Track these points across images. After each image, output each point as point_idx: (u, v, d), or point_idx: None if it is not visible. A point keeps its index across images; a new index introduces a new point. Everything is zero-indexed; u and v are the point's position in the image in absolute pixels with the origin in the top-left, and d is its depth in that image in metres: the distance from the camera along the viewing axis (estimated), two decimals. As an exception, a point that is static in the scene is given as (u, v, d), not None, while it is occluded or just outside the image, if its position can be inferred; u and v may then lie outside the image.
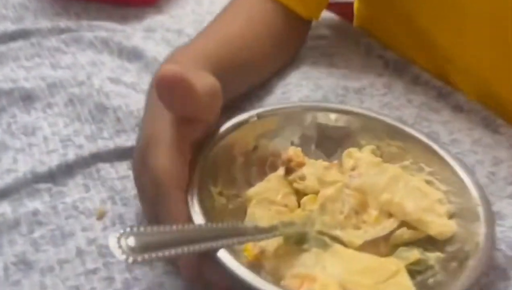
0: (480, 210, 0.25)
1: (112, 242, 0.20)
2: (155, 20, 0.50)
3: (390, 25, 0.47)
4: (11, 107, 0.38)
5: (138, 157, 0.27)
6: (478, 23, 0.38)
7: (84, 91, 0.38)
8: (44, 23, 0.49)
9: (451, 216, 0.26)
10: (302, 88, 0.39)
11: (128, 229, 0.20)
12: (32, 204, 0.30)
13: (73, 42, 0.46)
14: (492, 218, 0.25)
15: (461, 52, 0.40)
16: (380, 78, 0.42)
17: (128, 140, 0.35)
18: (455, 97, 0.39)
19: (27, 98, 0.38)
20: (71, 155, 0.33)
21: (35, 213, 0.29)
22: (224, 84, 0.29)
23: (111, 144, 0.34)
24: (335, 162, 0.30)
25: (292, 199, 0.28)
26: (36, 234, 0.28)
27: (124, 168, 0.33)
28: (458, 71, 0.41)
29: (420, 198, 0.26)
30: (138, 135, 0.30)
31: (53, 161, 0.33)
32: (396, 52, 0.45)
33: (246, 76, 0.38)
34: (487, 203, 0.26)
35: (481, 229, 0.24)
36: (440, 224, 0.25)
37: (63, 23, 0.49)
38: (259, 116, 0.31)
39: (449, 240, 0.25)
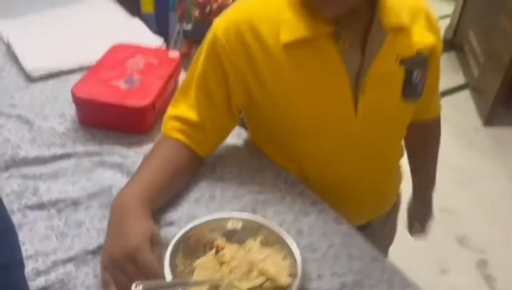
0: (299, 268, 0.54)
1: None
2: (150, 146, 0.79)
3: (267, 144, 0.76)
4: (66, 209, 0.66)
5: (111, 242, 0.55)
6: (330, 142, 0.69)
7: (109, 199, 0.67)
8: (80, 148, 0.78)
9: (289, 273, 0.54)
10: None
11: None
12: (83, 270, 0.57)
13: (99, 164, 0.74)
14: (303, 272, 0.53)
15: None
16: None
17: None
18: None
19: (75, 203, 0.67)
20: (103, 240, 0.61)
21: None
22: (158, 202, 0.60)
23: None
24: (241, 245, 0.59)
25: (217, 266, 0.56)
26: None
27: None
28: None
29: (276, 264, 0.54)
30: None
31: (93, 244, 0.60)
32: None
33: (169, 194, 0.65)
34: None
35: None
36: (284, 279, 0.54)
37: (92, 147, 0.78)
38: (205, 222, 0.59)
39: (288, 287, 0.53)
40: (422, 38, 0.69)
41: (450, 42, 2.93)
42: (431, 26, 0.71)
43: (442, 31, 2.99)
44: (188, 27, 1.48)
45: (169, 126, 0.69)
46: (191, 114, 0.67)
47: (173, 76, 0.90)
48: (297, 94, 0.65)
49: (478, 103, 2.33)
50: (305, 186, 0.71)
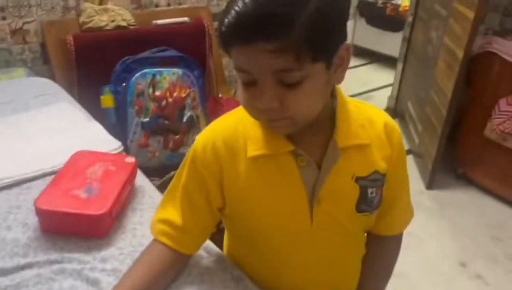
0: None
1: None
2: (107, 251, 0.87)
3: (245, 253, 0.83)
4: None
5: None
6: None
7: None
8: (41, 257, 0.85)
9: None
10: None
11: None
12: None
13: (59, 272, 0.82)
14: None
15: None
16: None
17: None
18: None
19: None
20: None
21: None
22: None
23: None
24: None
25: None
26: None
27: None
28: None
29: None
30: None
31: None
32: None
33: None
34: None
35: None
36: None
37: (53, 256, 0.86)
38: None
39: None
40: (380, 154, 0.72)
41: (393, 110, 3.19)
42: (390, 139, 0.73)
43: (385, 100, 3.29)
44: (146, 119, 1.61)
45: (157, 229, 0.77)
46: (177, 218, 0.75)
47: (129, 180, 1.00)
48: (258, 202, 0.73)
49: (420, 168, 2.53)
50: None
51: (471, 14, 1.99)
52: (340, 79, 0.65)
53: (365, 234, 0.83)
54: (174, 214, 0.75)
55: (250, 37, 0.55)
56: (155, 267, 0.74)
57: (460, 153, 2.45)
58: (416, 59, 2.90)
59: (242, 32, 0.55)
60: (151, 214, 0.96)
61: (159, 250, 0.75)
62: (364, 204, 0.72)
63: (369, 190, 0.72)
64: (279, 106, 0.60)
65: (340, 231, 0.75)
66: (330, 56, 0.60)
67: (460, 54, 2.07)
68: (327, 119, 0.70)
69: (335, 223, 0.73)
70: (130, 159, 1.05)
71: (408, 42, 3.05)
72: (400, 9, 3.76)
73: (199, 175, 0.73)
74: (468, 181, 2.46)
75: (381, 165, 0.73)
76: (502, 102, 2.24)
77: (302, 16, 0.54)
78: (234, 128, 0.73)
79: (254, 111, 0.64)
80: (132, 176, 1.02)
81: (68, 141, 1.15)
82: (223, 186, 0.73)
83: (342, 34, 0.61)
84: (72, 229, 0.90)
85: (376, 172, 0.72)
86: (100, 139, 1.22)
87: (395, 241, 0.87)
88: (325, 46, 0.58)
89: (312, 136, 0.69)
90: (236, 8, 0.54)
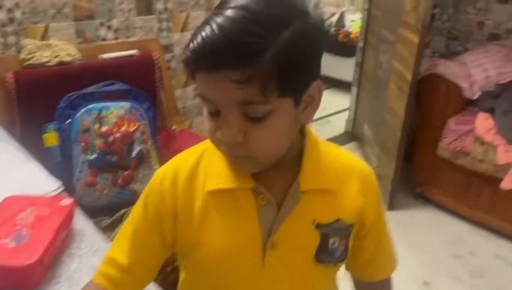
0: None
1: None
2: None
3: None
4: None
5: None
6: None
7: None
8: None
9: None
10: None
11: None
12: None
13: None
14: None
15: None
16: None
17: None
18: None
19: None
20: None
21: None
22: None
23: None
24: None
25: None
26: None
27: None
28: None
29: None
30: None
31: None
32: None
33: None
34: None
35: None
36: None
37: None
38: None
39: None
40: (349, 203, 0.68)
41: (351, 133, 3.24)
42: (365, 188, 0.69)
43: (342, 124, 3.34)
44: (93, 156, 1.54)
45: (98, 270, 0.72)
46: (122, 257, 0.71)
47: (64, 224, 0.93)
48: (210, 238, 0.68)
49: (381, 189, 2.55)
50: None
51: (416, 39, 2.06)
52: (309, 118, 0.62)
53: (334, 276, 0.76)
54: (120, 253, 0.71)
55: (214, 64, 0.52)
56: None
57: (416, 172, 2.50)
58: (369, 83, 2.97)
59: (206, 58, 0.52)
60: (90, 260, 0.90)
61: None
62: (324, 253, 0.67)
63: (331, 239, 0.67)
64: (242, 141, 0.57)
65: (295, 280, 0.69)
66: (299, 93, 0.57)
67: (408, 76, 2.13)
68: (295, 159, 0.66)
69: (290, 270, 0.68)
70: (67, 201, 0.99)
71: (360, 66, 3.14)
72: (352, 35, 3.88)
73: (154, 209, 0.70)
74: (425, 200, 2.50)
75: (347, 214, 0.68)
76: (451, 121, 2.31)
77: (271, 47, 0.51)
78: (195, 162, 0.70)
79: (217, 142, 0.61)
80: (68, 219, 0.95)
81: (2, 183, 1.07)
82: (176, 220, 0.70)
83: (314, 71, 0.58)
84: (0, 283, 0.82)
85: (339, 220, 0.67)
86: (38, 180, 1.15)
87: (385, 284, 0.81)
88: (294, 81, 0.55)
89: (278, 174, 0.65)
90: (203, 33, 0.52)
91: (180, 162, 0.73)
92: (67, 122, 1.56)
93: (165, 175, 0.71)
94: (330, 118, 3.60)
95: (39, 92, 1.64)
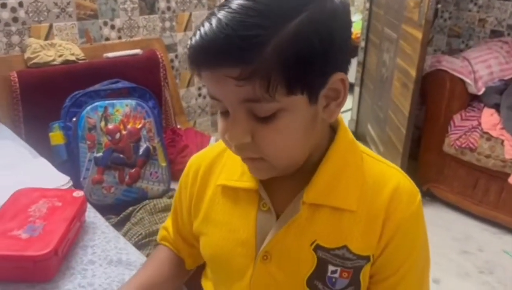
0: None
1: None
2: (52, 296, 0.78)
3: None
4: None
5: None
6: None
7: None
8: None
9: None
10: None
11: None
12: None
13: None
14: None
15: None
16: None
17: None
18: None
19: None
20: None
21: None
22: None
23: None
24: None
25: None
26: None
27: None
28: None
29: None
30: None
31: None
32: None
33: None
34: None
35: None
36: None
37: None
38: None
39: None
40: (367, 229, 0.56)
41: (354, 134, 3.23)
42: (396, 215, 0.56)
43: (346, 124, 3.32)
44: (99, 154, 1.52)
45: (159, 235, 0.83)
46: (170, 227, 0.81)
47: (77, 215, 0.91)
48: (210, 231, 0.68)
49: (386, 188, 2.54)
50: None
51: (419, 35, 2.06)
52: (333, 115, 0.54)
53: None
54: (169, 223, 0.82)
55: (213, 62, 0.48)
56: (160, 267, 0.76)
57: (422, 170, 2.48)
58: (371, 82, 2.96)
59: (206, 56, 0.49)
60: (104, 252, 0.88)
61: (163, 252, 0.80)
62: (318, 280, 0.58)
63: (330, 267, 0.57)
64: (251, 142, 0.53)
65: None
66: (315, 89, 0.51)
67: (413, 72, 2.12)
68: (316, 164, 0.58)
69: (275, 287, 0.61)
70: (79, 193, 0.97)
71: (362, 66, 3.13)
72: (352, 36, 3.87)
73: (183, 191, 0.75)
74: (432, 197, 2.48)
75: (360, 243, 0.57)
76: (457, 117, 2.31)
77: (274, 40, 0.46)
78: (219, 153, 0.70)
79: (228, 143, 0.56)
80: (81, 211, 0.93)
81: (11, 179, 1.05)
82: (191, 206, 0.73)
83: (332, 63, 0.51)
84: (12, 274, 0.80)
85: (345, 247, 0.57)
86: (47, 175, 1.13)
87: None
88: (304, 76, 0.49)
89: (291, 180, 0.59)
90: (202, 29, 0.49)
91: (208, 151, 0.74)
92: (73, 120, 1.54)
93: (193, 161, 0.74)
94: (332, 119, 3.59)
95: (44, 91, 1.63)
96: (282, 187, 0.60)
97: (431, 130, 2.40)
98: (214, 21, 0.48)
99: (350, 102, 3.36)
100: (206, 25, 0.48)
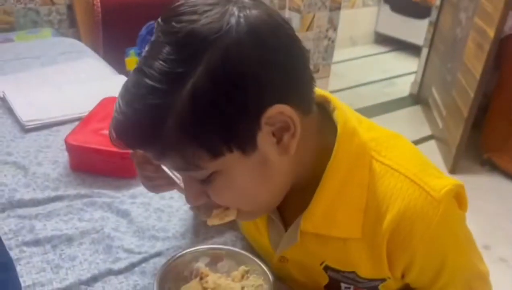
0: None
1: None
2: (136, 190, 0.86)
3: None
4: (60, 245, 0.71)
5: None
6: None
7: (100, 236, 0.73)
8: (72, 191, 0.84)
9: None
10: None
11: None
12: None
13: (90, 204, 0.81)
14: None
15: None
16: None
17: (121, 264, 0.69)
18: None
19: (69, 239, 0.72)
20: (95, 271, 0.66)
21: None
22: None
23: (114, 267, 0.68)
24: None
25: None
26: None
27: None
28: None
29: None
30: None
31: (86, 275, 0.65)
32: None
33: None
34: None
35: None
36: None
37: (83, 190, 0.85)
38: (191, 252, 0.65)
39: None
40: (375, 255, 0.51)
41: (416, 96, 3.14)
42: (407, 235, 0.48)
43: (408, 87, 3.24)
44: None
45: None
46: None
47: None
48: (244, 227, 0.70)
49: (443, 153, 2.48)
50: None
51: (504, -9, 1.94)
52: (290, 148, 0.46)
53: None
54: None
55: (130, 146, 0.48)
56: None
57: (486, 138, 2.40)
58: (442, 43, 2.84)
59: (122, 141, 0.47)
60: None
61: None
62: None
63: (343, 285, 0.56)
64: (209, 200, 0.51)
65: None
66: (243, 140, 0.44)
67: (491, 33, 2.01)
68: (319, 178, 0.51)
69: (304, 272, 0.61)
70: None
71: (434, 26, 2.99)
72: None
73: None
74: (492, 167, 2.41)
75: (367, 270, 0.53)
76: (533, 85, 2.18)
77: (172, 112, 0.41)
78: None
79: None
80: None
81: (96, 89, 1.14)
82: None
83: (258, 103, 0.43)
84: (101, 167, 0.89)
85: (355, 273, 0.54)
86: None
87: None
88: (220, 138, 0.43)
89: (297, 194, 0.54)
90: (115, 113, 0.46)
91: None
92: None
93: None
94: (395, 80, 3.48)
95: (123, 17, 1.70)
96: (291, 199, 0.55)
97: (501, 97, 2.29)
98: (118, 105, 0.45)
99: (415, 65, 3.25)
100: (117, 107, 0.45)
